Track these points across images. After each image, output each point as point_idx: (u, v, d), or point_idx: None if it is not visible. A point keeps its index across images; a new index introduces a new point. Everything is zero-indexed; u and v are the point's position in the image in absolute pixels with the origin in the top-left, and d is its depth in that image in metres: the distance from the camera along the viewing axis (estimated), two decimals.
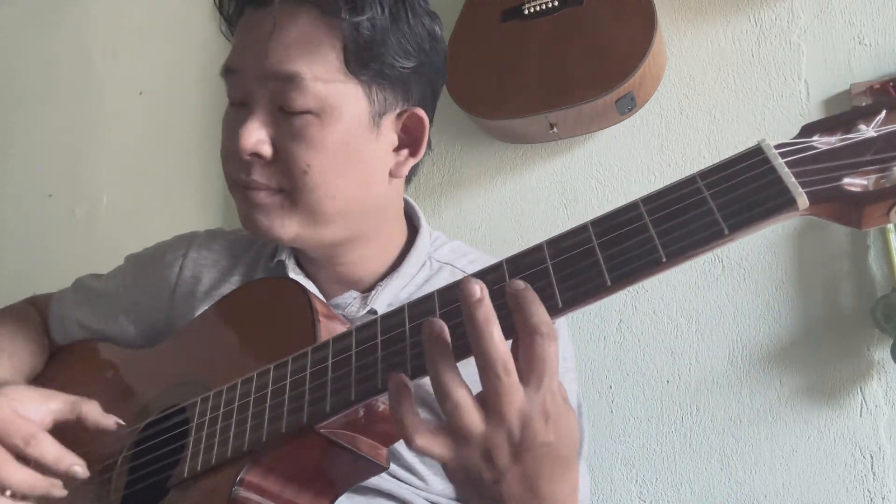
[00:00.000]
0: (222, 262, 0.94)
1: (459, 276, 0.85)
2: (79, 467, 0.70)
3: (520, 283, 0.52)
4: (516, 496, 0.55)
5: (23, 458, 0.70)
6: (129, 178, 1.91)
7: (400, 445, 0.78)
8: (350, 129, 0.77)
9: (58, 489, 0.69)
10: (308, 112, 0.75)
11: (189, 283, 0.92)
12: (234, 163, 0.78)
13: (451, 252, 0.91)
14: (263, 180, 0.76)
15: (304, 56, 0.74)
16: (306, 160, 0.75)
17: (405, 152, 0.83)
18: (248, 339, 0.75)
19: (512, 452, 0.53)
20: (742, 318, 1.31)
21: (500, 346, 0.51)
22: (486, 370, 0.52)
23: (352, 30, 0.75)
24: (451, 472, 0.56)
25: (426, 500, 0.82)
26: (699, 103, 1.40)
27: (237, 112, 0.78)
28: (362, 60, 0.76)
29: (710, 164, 0.52)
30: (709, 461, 1.30)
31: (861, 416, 1.21)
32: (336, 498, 0.68)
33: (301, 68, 0.74)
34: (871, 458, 1.20)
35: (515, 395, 0.52)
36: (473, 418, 0.52)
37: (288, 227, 0.78)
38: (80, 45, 2.03)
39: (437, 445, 0.54)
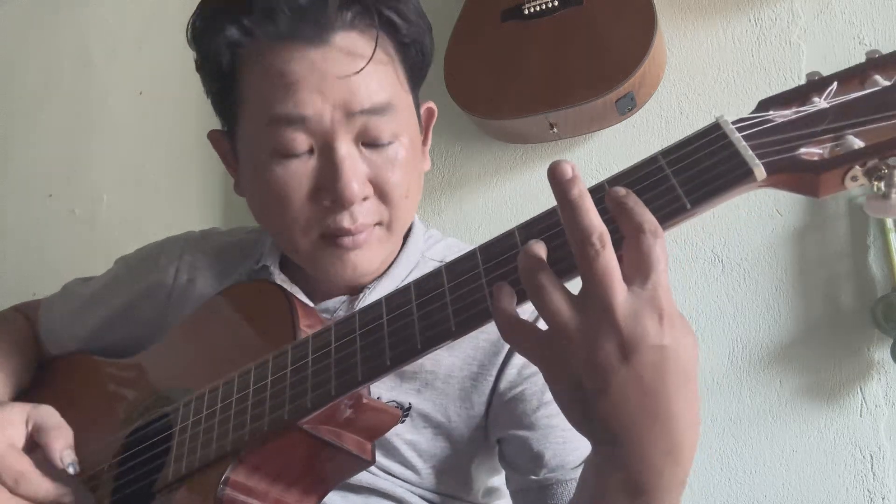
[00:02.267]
0: (217, 266, 0.92)
1: None
2: (68, 497, 0.69)
3: (620, 190, 0.49)
4: (626, 414, 0.46)
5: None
6: (129, 178, 1.91)
7: (395, 440, 0.78)
8: (416, 140, 0.78)
9: None
10: (395, 138, 0.73)
11: (185, 287, 0.91)
12: (325, 213, 0.72)
13: (446, 249, 0.90)
14: (369, 220, 0.74)
15: (385, 82, 0.72)
16: (406, 186, 0.75)
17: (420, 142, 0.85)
18: (230, 343, 0.74)
19: (619, 351, 0.45)
20: (742, 318, 1.31)
21: (596, 218, 0.47)
22: (584, 244, 0.46)
23: (415, 49, 0.76)
24: (551, 382, 0.49)
25: (421, 497, 0.82)
26: (699, 103, 1.40)
27: (303, 161, 0.72)
28: (418, 76, 0.79)
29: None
30: (709, 461, 1.30)
31: (861, 416, 1.21)
32: (325, 494, 0.67)
33: (390, 94, 0.72)
34: (871, 458, 1.20)
35: (617, 279, 0.45)
36: (568, 310, 0.46)
37: (381, 255, 0.77)
38: (80, 45, 2.03)
39: (530, 342, 0.48)
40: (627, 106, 1.32)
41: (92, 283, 1.00)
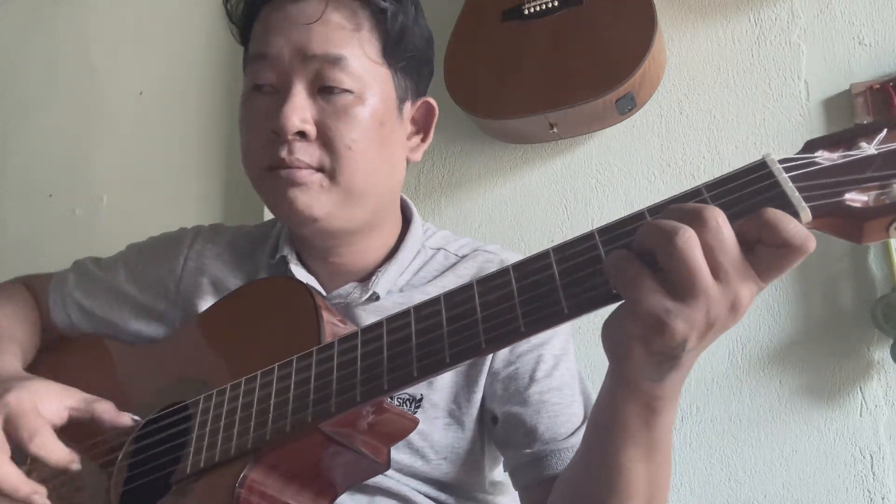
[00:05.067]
0: (226, 256, 0.95)
1: (452, 259, 0.90)
2: (76, 465, 0.71)
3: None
4: (686, 368, 0.55)
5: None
6: (129, 178, 1.91)
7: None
8: (384, 111, 0.83)
9: (41, 498, 0.69)
10: (349, 91, 0.79)
11: (193, 275, 0.94)
12: (272, 145, 0.79)
13: (442, 238, 0.95)
14: (306, 159, 0.79)
15: (348, 40, 0.81)
16: (350, 137, 0.80)
17: (417, 138, 0.90)
18: (252, 339, 0.75)
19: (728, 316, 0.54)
20: (742, 318, 1.31)
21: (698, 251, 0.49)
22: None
23: (390, 19, 0.83)
24: (668, 334, 0.52)
25: (426, 496, 0.83)
26: (699, 103, 1.40)
27: (267, 97, 0.81)
28: (395, 48, 0.84)
29: (711, 166, 0.53)
30: (709, 461, 1.30)
31: (861, 416, 1.21)
32: (336, 497, 0.68)
33: (346, 51, 0.80)
34: (871, 458, 1.20)
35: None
36: (709, 278, 0.51)
37: (325, 204, 0.80)
38: (80, 45, 2.03)
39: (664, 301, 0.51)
40: (627, 106, 1.32)
41: (103, 264, 1.01)
